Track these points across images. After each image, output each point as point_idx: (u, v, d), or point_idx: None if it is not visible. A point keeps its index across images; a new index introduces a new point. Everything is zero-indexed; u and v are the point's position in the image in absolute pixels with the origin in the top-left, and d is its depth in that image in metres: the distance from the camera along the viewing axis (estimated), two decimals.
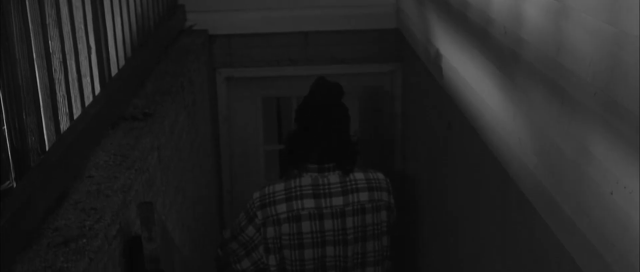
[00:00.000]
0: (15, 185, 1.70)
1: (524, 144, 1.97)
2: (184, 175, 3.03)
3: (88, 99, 2.27)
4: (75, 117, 2.13)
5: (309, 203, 2.74)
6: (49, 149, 1.91)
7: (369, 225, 2.79)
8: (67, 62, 2.08)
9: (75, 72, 2.15)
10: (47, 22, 1.92)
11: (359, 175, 2.84)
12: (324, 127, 2.80)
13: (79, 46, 2.20)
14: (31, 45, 1.81)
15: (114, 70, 2.62)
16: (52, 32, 1.97)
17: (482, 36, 2.37)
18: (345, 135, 2.85)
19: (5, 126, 1.68)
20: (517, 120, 2.04)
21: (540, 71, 1.82)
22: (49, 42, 1.93)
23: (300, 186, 2.76)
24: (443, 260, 3.25)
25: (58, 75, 1.99)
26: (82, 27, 2.25)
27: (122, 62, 2.72)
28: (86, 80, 2.26)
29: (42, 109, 1.88)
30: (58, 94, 1.99)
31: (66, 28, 2.09)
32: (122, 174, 2.11)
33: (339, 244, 2.78)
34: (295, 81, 4.33)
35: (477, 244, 2.60)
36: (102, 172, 2.11)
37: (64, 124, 2.05)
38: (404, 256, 4.43)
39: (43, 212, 1.81)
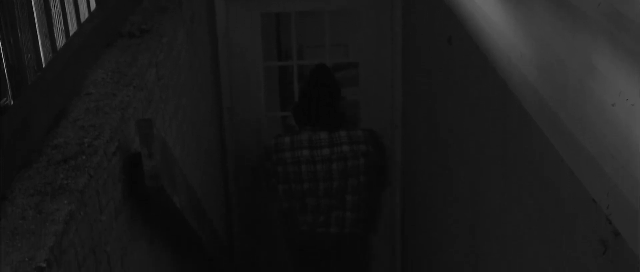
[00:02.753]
0: (12, 102, 1.69)
1: (526, 58, 1.95)
2: (183, 92, 3.01)
3: (84, 16, 2.24)
4: (71, 34, 2.11)
5: (306, 152, 3.87)
6: (45, 66, 1.89)
7: (349, 168, 3.90)
8: None
9: None
10: None
11: (342, 133, 3.92)
12: (314, 100, 3.92)
13: None
14: None
15: None
16: None
17: None
18: (331, 105, 3.93)
19: (0, 43, 1.66)
20: (518, 33, 2.01)
21: None
22: None
23: (300, 140, 3.88)
24: (443, 176, 3.27)
25: None
26: None
27: None
28: None
29: (37, 26, 1.85)
30: (53, 10, 1.96)
31: None
32: (120, 91, 2.09)
33: (326, 180, 3.92)
34: None
35: (477, 158, 2.61)
36: (100, 90, 2.10)
37: (60, 41, 2.02)
38: (404, 174, 4.46)
39: (42, 130, 1.80)
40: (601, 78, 1.46)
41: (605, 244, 1.48)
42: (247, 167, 4.62)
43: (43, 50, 1.89)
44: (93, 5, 2.34)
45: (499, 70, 2.22)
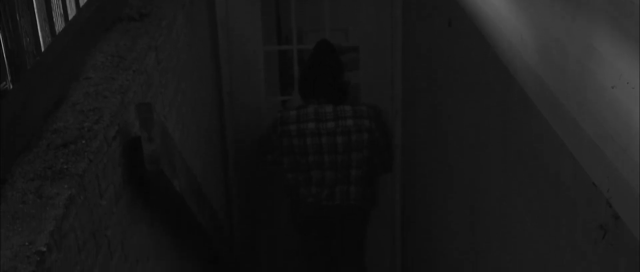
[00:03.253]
0: (11, 87, 1.68)
1: (526, 41, 1.94)
2: (183, 76, 3.01)
3: (83, 0, 2.23)
4: (70, 18, 2.10)
5: (311, 125, 3.95)
6: (44, 50, 1.88)
7: (353, 142, 3.98)
8: None
9: None
10: None
11: (347, 107, 4.00)
12: (319, 74, 4.03)
13: None
14: None
15: None
16: None
17: None
18: (336, 78, 4.04)
19: None
20: (519, 16, 2.01)
21: None
22: None
23: (306, 113, 3.96)
24: (443, 160, 3.27)
25: None
26: None
27: None
28: None
29: (36, 10, 1.85)
30: None
31: None
32: (119, 75, 2.09)
33: (331, 153, 4.00)
34: None
35: (477, 141, 2.61)
36: (99, 74, 2.09)
37: (59, 26, 2.01)
38: (404, 154, 4.46)
39: (41, 114, 1.80)
40: (602, 61, 1.45)
41: (605, 227, 1.48)
42: (248, 150, 4.62)
43: (42, 35, 1.88)
44: None
45: (499, 54, 2.21)
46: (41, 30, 1.88)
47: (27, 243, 1.37)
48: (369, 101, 4.53)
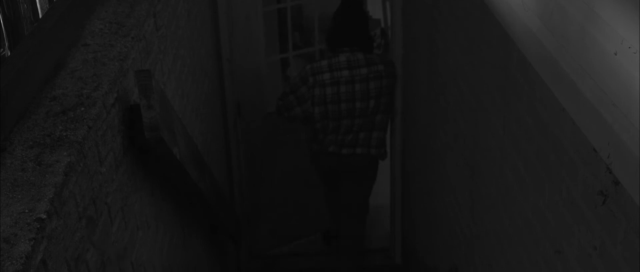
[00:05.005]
0: (9, 53, 1.67)
1: (527, 6, 1.93)
2: (182, 43, 2.99)
3: None
4: None
5: (345, 73, 4.13)
6: (42, 17, 1.87)
7: (384, 86, 4.21)
8: None
9: None
10: None
11: (375, 55, 4.29)
12: (349, 23, 4.24)
13: None
14: None
15: None
16: None
17: None
18: (364, 27, 4.30)
19: None
20: None
21: None
22: None
23: (338, 62, 4.15)
24: (443, 123, 3.26)
25: None
26: None
27: None
28: None
29: None
30: None
31: None
32: (118, 42, 2.08)
33: (364, 99, 4.17)
34: None
35: (477, 106, 2.60)
36: (97, 40, 2.08)
37: None
38: (404, 121, 4.46)
39: (40, 81, 1.79)
40: (603, 25, 1.44)
41: (605, 193, 1.48)
42: (248, 115, 4.63)
43: (39, 1, 1.87)
44: None
45: (499, 18, 2.20)
46: None
47: (27, 210, 1.38)
48: None
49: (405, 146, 4.51)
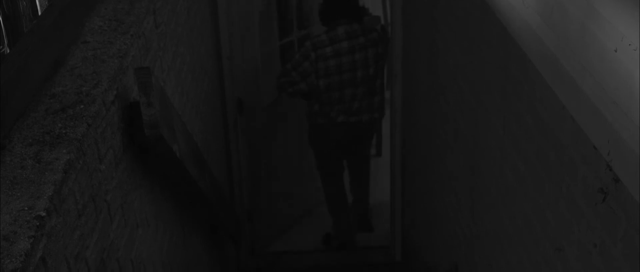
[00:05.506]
0: (8, 51, 1.67)
1: (527, 3, 1.92)
2: (181, 41, 2.99)
3: None
4: None
5: (345, 44, 4.32)
6: (41, 14, 1.87)
7: (379, 53, 4.44)
8: None
9: None
10: None
11: (369, 24, 4.54)
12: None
13: None
14: None
15: None
16: None
17: None
18: (353, 1, 4.49)
19: None
20: None
21: None
22: None
23: (337, 34, 4.34)
24: (443, 122, 3.26)
25: None
26: None
27: None
28: None
29: None
30: None
31: None
32: (117, 39, 2.07)
33: (364, 68, 4.40)
34: None
35: (477, 106, 2.60)
36: (97, 38, 2.08)
37: None
38: (404, 120, 4.46)
39: (39, 79, 1.79)
40: (604, 22, 1.44)
41: (605, 190, 1.48)
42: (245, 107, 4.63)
43: None
44: None
45: (499, 15, 2.20)
46: None
47: (26, 208, 1.37)
48: None
49: (405, 145, 4.51)
